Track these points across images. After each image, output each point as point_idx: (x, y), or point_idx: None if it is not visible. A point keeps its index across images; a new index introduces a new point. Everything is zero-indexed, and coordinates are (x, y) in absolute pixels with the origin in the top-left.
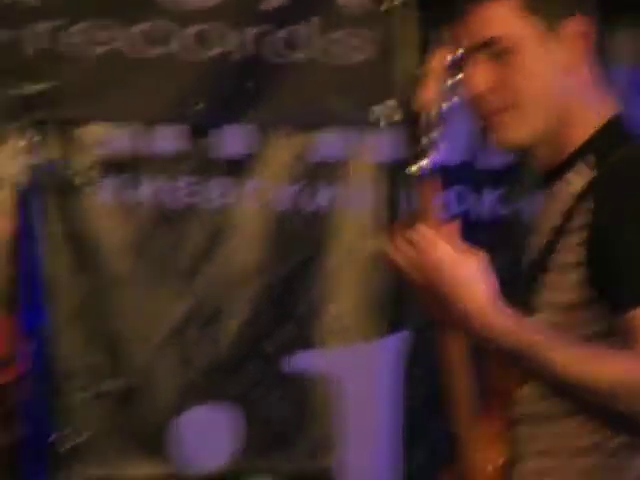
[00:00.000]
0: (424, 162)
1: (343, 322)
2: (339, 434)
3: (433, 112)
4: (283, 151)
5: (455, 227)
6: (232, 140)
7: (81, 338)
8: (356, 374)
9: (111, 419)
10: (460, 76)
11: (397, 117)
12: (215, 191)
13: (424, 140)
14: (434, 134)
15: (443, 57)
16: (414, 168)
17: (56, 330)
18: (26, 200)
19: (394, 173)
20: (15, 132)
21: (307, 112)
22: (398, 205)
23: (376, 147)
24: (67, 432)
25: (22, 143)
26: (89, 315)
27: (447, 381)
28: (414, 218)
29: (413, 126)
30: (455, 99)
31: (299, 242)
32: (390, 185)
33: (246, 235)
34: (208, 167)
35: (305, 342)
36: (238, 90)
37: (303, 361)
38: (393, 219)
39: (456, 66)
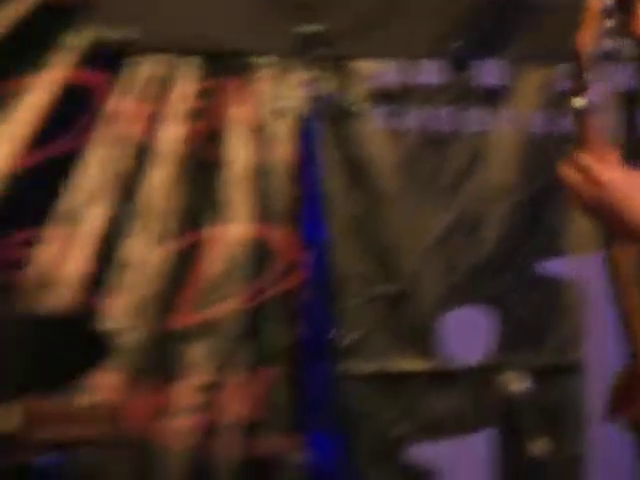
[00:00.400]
0: (584, 98)
1: (587, 233)
2: (585, 332)
3: (591, 52)
4: (534, 82)
5: (616, 154)
6: (488, 73)
7: (356, 249)
8: (600, 278)
9: (383, 320)
10: (616, 20)
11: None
12: (474, 118)
13: (584, 77)
14: (591, 73)
15: (601, 1)
16: (577, 102)
17: (334, 242)
18: (307, 128)
19: (629, 101)
20: (297, 67)
21: (554, 47)
22: (633, 130)
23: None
24: (344, 331)
25: (304, 76)
26: (363, 229)
27: (620, 294)
28: (581, 147)
29: (576, 64)
30: (611, 41)
31: (549, 163)
32: (627, 112)
33: (501, 157)
34: (468, 97)
35: (555, 250)
36: (495, 28)
37: (553, 267)
38: (630, 143)
39: (613, 10)
